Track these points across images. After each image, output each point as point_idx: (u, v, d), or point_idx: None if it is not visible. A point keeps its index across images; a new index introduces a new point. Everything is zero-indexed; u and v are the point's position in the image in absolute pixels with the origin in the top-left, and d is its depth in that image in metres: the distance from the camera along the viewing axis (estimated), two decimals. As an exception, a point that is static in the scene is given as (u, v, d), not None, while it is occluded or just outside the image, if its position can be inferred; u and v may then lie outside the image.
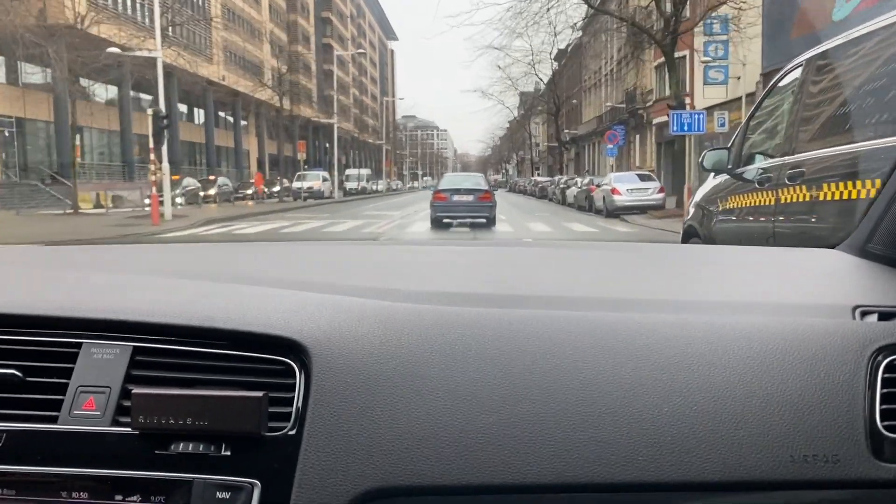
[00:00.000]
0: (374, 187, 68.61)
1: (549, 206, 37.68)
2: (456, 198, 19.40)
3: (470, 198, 19.40)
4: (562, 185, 39.65)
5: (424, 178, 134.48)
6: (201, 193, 39.40)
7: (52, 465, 0.95)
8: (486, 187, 20.43)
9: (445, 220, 19.51)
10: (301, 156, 40.18)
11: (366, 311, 1.07)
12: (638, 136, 44.24)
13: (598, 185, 27.76)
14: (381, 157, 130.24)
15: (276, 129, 73.11)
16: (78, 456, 0.95)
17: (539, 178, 58.39)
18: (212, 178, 44.03)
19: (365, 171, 65.50)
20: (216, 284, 1.22)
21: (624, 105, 45.56)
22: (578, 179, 35.91)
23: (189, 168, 51.30)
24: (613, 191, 24.78)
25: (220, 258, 1.70)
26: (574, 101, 68.34)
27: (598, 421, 0.94)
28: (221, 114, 60.35)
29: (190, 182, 39.32)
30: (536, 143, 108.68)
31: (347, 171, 64.55)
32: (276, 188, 46.09)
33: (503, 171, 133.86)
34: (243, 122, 64.45)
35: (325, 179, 47.67)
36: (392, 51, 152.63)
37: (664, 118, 37.44)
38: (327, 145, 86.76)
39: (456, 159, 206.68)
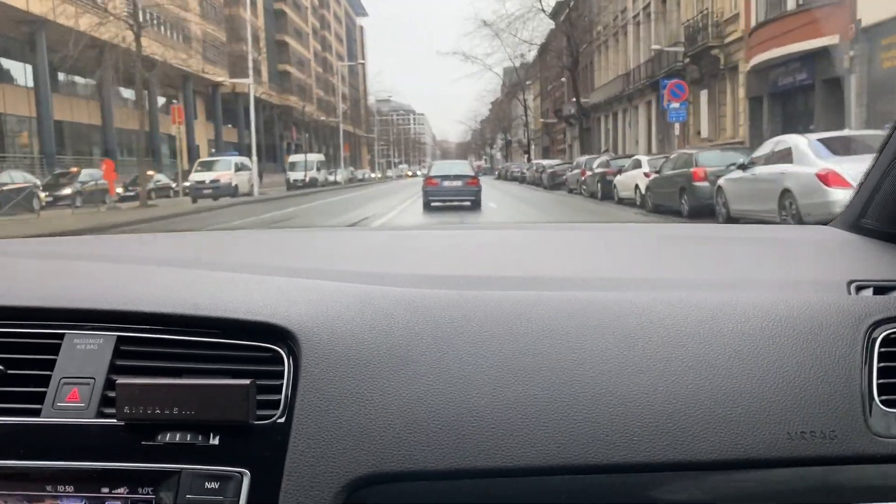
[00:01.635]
0: (332, 178, 53.30)
1: (584, 204, 22.74)
2: (446, 183, 20.78)
3: (458, 183, 20.76)
4: (597, 170, 24.50)
5: (399, 166, 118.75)
6: (42, 195, 24.36)
7: (36, 459, 0.93)
8: (473, 173, 22.01)
9: (435, 204, 20.66)
10: (176, 129, 24.42)
11: (354, 296, 1.05)
12: (706, 92, 28.68)
13: (745, 167, 12.37)
14: (356, 145, 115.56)
15: (213, 109, 57.76)
16: (63, 448, 0.93)
17: (545, 162, 43.08)
18: (74, 169, 28.63)
19: (315, 157, 49.91)
20: (202, 272, 1.18)
21: (680, 48, 30.00)
22: (643, 159, 20.53)
23: (84, 159, 35.98)
24: (829, 178, 9.49)
25: (206, 246, 1.65)
26: (581, 64, 52.96)
27: (592, 402, 0.92)
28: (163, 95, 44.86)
29: (13, 177, 24.01)
30: (526, 123, 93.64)
31: (292, 158, 48.89)
32: (186, 183, 30.80)
33: (486, 155, 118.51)
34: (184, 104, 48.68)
35: (240, 168, 32.11)
36: (361, 27, 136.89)
37: (770, 55, 22.20)
38: (284, 131, 71.19)
39: (435, 146, 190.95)
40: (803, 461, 0.91)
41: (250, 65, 34.70)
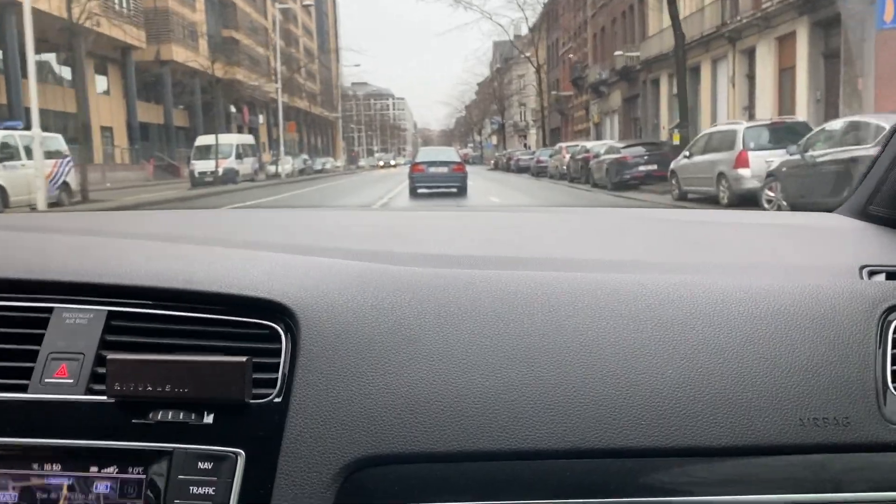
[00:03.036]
0: (276, 168, 37.26)
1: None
2: (432, 169, 20.31)
3: (444, 169, 20.31)
4: (849, 153, 8.69)
5: (376, 155, 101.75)
6: None
7: (22, 436, 0.88)
8: (459, 160, 21.43)
9: (421, 190, 20.13)
10: None
11: (356, 273, 1.00)
12: None
13: None
14: (327, 131, 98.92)
15: (126, 80, 41.34)
16: (50, 426, 0.89)
17: (591, 144, 27.25)
18: None
19: (235, 140, 33.41)
20: (197, 247, 1.14)
21: None
22: None
23: None
24: None
25: (203, 222, 1.59)
26: (619, 9, 37.01)
27: (600, 384, 0.88)
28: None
29: None
30: (521, 103, 77.76)
31: (199, 140, 32.57)
32: None
33: (472, 143, 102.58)
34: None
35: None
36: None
37: None
38: (233, 109, 54.69)
39: (416, 133, 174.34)
40: (816, 448, 0.87)
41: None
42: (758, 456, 0.87)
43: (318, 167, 52.00)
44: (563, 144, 30.46)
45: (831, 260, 1.16)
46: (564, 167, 28.18)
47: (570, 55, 48.62)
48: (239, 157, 31.86)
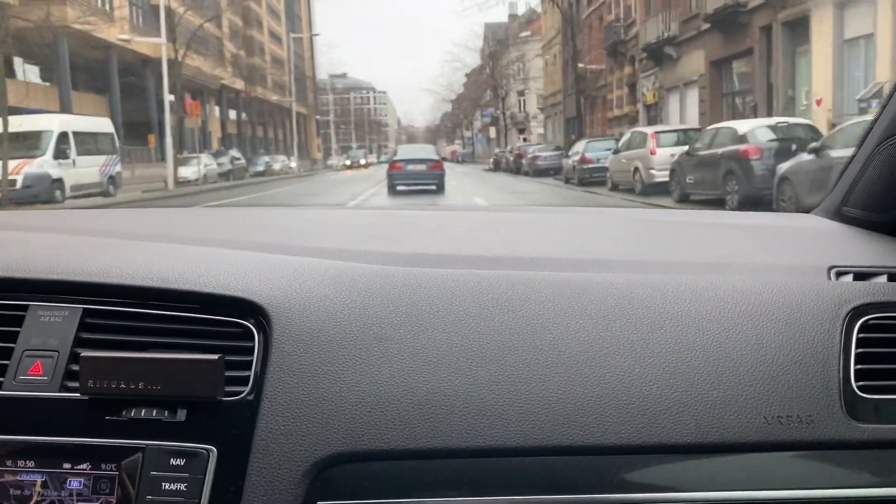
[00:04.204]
0: (176, 174, 23.61)
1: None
2: (410, 167, 20.41)
3: (423, 167, 20.41)
4: None
5: (351, 153, 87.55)
6: None
7: None
8: (437, 157, 21.84)
9: (400, 188, 20.16)
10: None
11: (328, 272, 1.01)
12: None
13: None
14: (306, 129, 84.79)
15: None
16: (24, 423, 0.89)
17: (741, 124, 13.65)
18: None
19: (60, 123, 19.48)
20: (172, 246, 1.15)
21: None
22: None
23: None
24: None
25: (177, 221, 1.59)
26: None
27: (567, 382, 0.90)
28: None
29: None
30: (521, 91, 64.33)
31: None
32: None
33: (462, 138, 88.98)
34: None
35: None
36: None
37: None
38: (173, 98, 40.83)
39: (400, 130, 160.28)
40: (779, 446, 0.89)
41: None
42: (722, 453, 0.88)
43: (261, 167, 38.08)
44: (648, 130, 16.89)
45: (801, 260, 1.15)
46: (654, 172, 14.80)
47: (604, 14, 35.09)
48: (62, 154, 18.02)
